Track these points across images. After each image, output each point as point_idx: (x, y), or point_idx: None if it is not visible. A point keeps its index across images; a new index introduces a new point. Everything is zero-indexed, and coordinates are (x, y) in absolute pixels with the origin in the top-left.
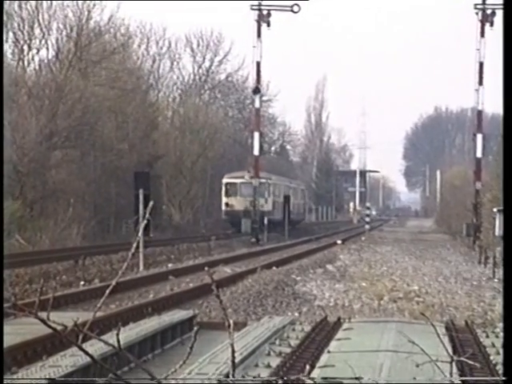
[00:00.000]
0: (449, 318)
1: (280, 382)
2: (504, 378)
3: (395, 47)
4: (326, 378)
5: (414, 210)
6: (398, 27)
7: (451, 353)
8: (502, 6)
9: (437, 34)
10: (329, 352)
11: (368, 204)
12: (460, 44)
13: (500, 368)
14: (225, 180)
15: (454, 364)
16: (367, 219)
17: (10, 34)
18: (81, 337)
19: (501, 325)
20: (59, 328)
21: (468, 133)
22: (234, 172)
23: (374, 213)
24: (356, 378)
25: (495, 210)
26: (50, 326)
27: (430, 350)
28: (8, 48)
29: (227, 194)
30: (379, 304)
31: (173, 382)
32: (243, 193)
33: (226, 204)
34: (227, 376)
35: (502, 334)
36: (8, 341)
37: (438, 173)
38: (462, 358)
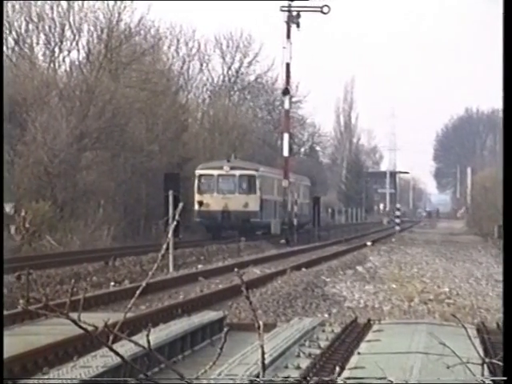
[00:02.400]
0: (480, 320)
1: (312, 382)
2: (504, 378)
3: (425, 47)
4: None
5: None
6: (427, 27)
7: (482, 355)
8: None
9: (467, 33)
10: (359, 354)
11: (398, 205)
12: (491, 43)
13: None
14: (198, 171)
15: (485, 366)
16: (397, 220)
17: (42, 36)
18: (111, 337)
19: None
20: (90, 329)
21: (500, 134)
22: (211, 161)
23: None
24: (385, 379)
25: None
26: (80, 327)
27: (460, 351)
28: (39, 50)
29: (201, 190)
30: (409, 306)
31: (204, 381)
32: (222, 188)
33: (200, 203)
34: (257, 377)
35: None
36: (39, 341)
37: (469, 170)
38: (493, 360)
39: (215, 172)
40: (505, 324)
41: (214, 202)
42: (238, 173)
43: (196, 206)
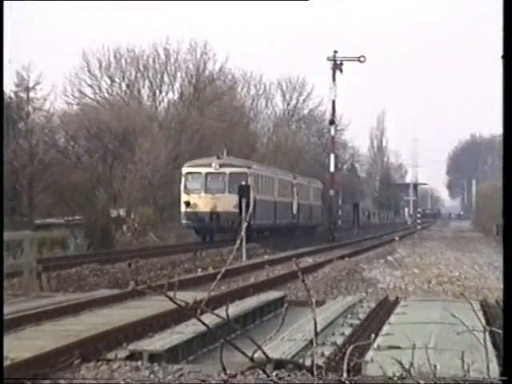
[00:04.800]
0: (483, 298)
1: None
2: (504, 378)
3: (439, 87)
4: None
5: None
6: (444, 70)
7: (484, 324)
8: None
9: (463, 78)
10: (389, 324)
11: (419, 209)
12: (493, 76)
13: None
14: (185, 169)
15: (487, 333)
16: (418, 221)
17: (147, 82)
18: (199, 311)
19: None
20: (182, 304)
21: (497, 153)
22: (199, 158)
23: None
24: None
25: None
26: (175, 303)
27: (468, 322)
28: (144, 92)
29: (187, 190)
30: (428, 286)
31: (274, 342)
32: (210, 187)
33: (187, 204)
34: (311, 342)
35: None
36: (145, 313)
37: (474, 182)
38: (493, 328)
39: (203, 170)
40: (505, 324)
41: (201, 202)
42: (228, 170)
43: (182, 207)
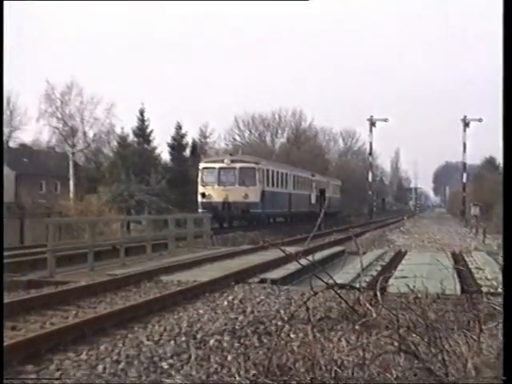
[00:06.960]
0: (452, 250)
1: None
2: (504, 378)
3: (430, 133)
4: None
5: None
6: (424, 118)
7: (454, 264)
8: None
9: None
10: (401, 264)
11: (418, 201)
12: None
13: (472, 268)
14: (202, 165)
15: (455, 270)
16: (417, 208)
17: (268, 132)
18: (298, 257)
19: (474, 252)
20: (289, 253)
21: (461, 172)
22: (215, 156)
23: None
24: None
25: (471, 204)
26: (285, 252)
27: (444, 263)
28: (267, 138)
29: (204, 183)
30: (423, 244)
31: (340, 273)
32: (223, 180)
33: (203, 195)
34: (359, 274)
35: (475, 258)
36: (268, 258)
37: (447, 188)
38: (458, 267)
39: (217, 165)
40: (505, 324)
41: (215, 193)
42: (238, 166)
43: (199, 198)
